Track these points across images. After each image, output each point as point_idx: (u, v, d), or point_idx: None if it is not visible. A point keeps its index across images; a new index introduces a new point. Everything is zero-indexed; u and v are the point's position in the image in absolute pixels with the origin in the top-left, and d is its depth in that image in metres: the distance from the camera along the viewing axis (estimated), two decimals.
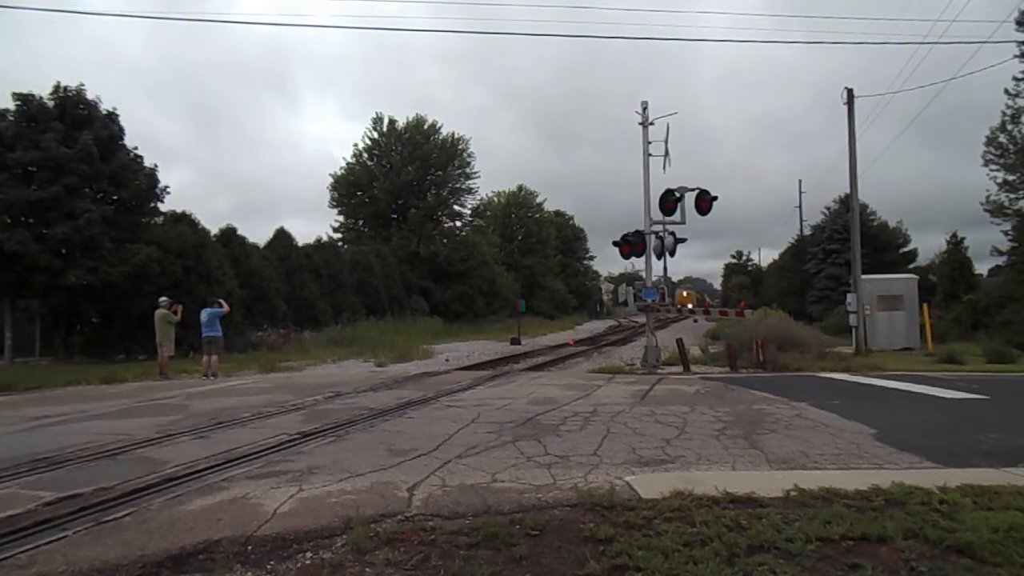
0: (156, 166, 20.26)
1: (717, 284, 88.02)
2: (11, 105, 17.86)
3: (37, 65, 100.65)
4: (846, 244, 23.85)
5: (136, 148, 19.89)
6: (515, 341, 25.04)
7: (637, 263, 33.93)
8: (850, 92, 17.75)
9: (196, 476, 4.35)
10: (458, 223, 45.16)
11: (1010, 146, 22.12)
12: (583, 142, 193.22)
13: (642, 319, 25.19)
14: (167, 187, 20.54)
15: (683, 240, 13.77)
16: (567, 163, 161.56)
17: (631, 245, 13.34)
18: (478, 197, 47.21)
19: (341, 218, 41.64)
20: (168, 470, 4.51)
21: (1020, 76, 21.05)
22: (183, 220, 21.09)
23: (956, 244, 26.63)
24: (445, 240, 41.95)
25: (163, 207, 20.98)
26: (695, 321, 39.28)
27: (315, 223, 52.20)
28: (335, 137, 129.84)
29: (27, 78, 64.69)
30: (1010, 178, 22.26)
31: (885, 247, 32.31)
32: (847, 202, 22.42)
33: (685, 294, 64.72)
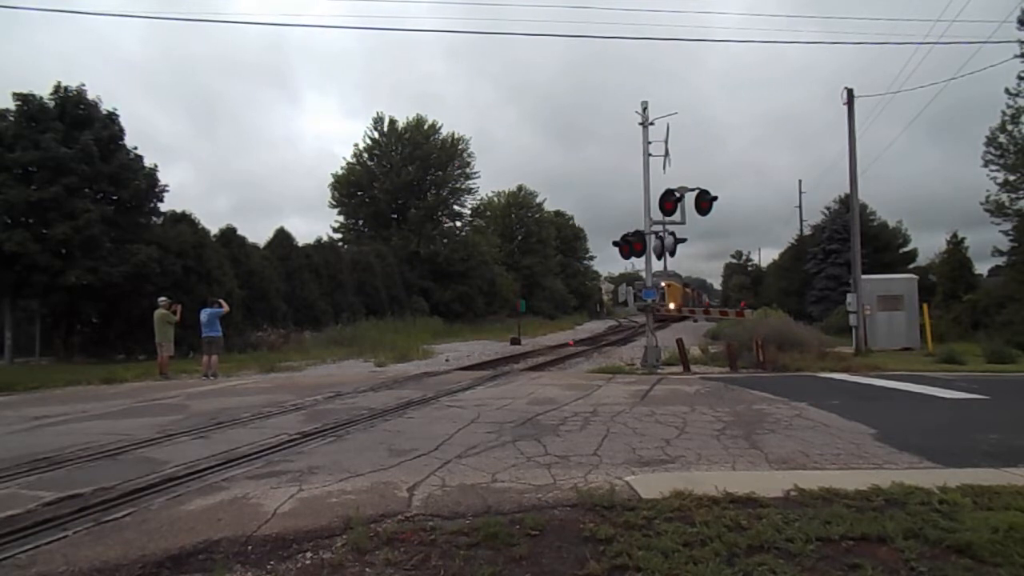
0: (156, 166, 20.30)
1: (717, 284, 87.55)
2: (11, 105, 17.88)
3: (34, 61, 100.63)
4: (846, 244, 23.85)
5: (136, 148, 19.92)
6: (515, 341, 25.02)
7: (637, 263, 33.40)
8: (850, 92, 17.75)
9: (196, 476, 4.35)
10: (458, 223, 45.24)
11: (1010, 146, 22.08)
12: (587, 139, 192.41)
13: (642, 319, 25.19)
14: (166, 186, 20.60)
15: (683, 240, 13.79)
16: (570, 160, 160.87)
17: (631, 245, 13.35)
18: (478, 197, 47.43)
19: (341, 218, 41.77)
20: (168, 470, 4.51)
21: (1022, 76, 21.02)
22: (183, 220, 21.09)
23: (956, 244, 26.65)
24: (445, 240, 41.93)
25: (163, 207, 21.02)
26: (695, 321, 39.24)
27: (315, 223, 52.21)
28: (336, 135, 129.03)
29: (25, 74, 64.66)
30: (1010, 178, 22.23)
31: (885, 247, 32.33)
32: (847, 202, 22.42)
33: (664, 284, 44.96)
